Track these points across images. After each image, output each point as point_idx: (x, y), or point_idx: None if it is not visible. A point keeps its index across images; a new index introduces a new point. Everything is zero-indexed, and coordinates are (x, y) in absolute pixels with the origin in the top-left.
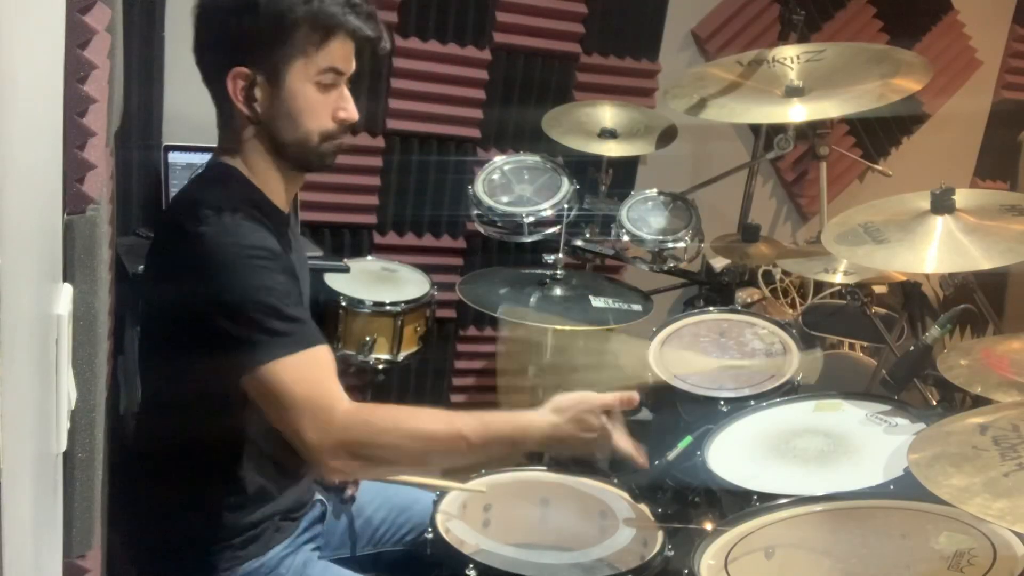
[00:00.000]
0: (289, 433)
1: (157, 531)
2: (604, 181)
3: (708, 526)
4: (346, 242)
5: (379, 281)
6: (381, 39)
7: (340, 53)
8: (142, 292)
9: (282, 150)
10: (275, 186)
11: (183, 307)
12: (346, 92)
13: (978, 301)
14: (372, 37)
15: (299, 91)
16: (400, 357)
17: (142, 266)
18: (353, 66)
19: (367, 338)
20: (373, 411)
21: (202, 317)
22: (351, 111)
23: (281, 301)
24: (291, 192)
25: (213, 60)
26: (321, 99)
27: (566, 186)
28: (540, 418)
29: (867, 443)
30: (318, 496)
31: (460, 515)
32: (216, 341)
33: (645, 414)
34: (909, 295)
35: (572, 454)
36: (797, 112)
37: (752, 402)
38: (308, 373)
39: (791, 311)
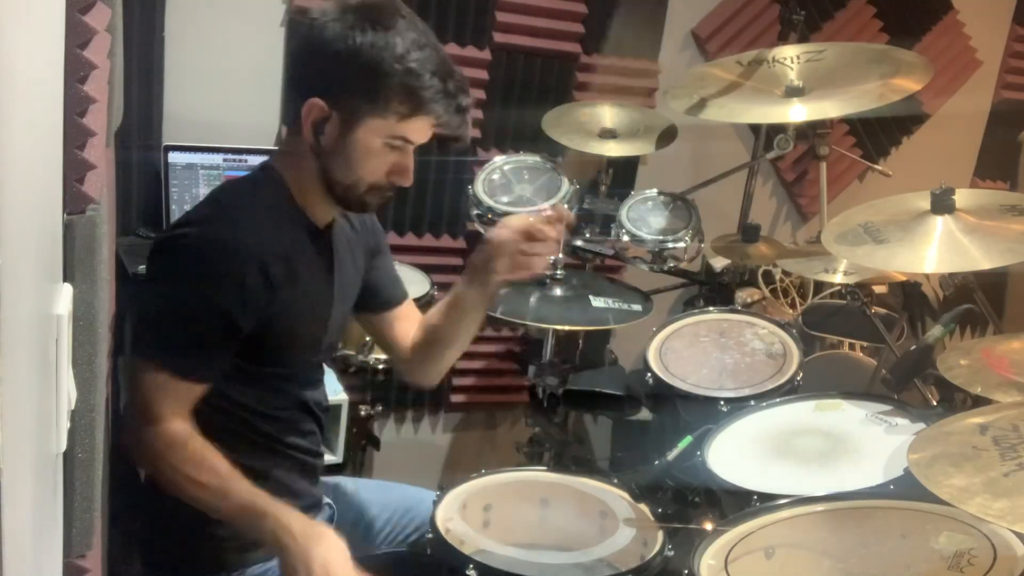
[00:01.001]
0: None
1: (162, 533)
2: (604, 181)
3: (708, 526)
4: None
5: None
6: (462, 138)
7: (418, 128)
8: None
9: (329, 183)
10: (315, 206)
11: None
12: (409, 158)
13: (978, 301)
14: (454, 134)
15: (365, 144)
16: None
17: (143, 266)
18: (427, 139)
19: (367, 338)
20: (184, 446)
21: (152, 299)
22: (407, 179)
23: (212, 322)
24: (329, 214)
25: (298, 81)
26: (383, 157)
27: (566, 186)
28: None
29: (867, 443)
30: (326, 499)
31: (460, 515)
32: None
33: (645, 414)
34: (909, 295)
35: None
36: (797, 112)
37: (752, 402)
38: (167, 393)
39: (791, 311)
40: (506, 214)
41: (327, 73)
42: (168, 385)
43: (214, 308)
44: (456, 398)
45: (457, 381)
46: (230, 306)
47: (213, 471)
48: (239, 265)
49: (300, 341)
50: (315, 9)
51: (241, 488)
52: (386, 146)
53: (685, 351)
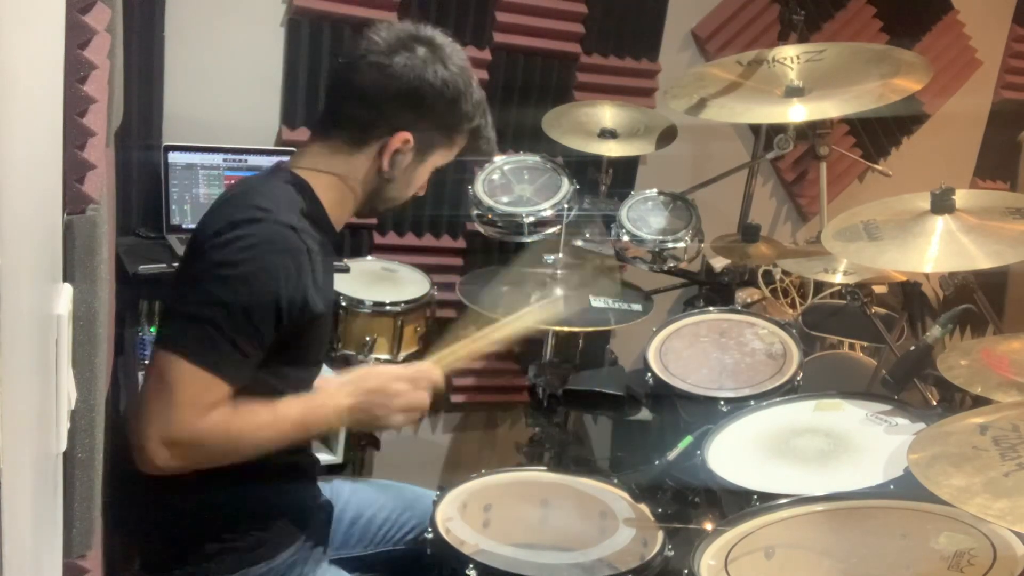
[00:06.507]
0: (139, 416)
1: (162, 533)
2: (604, 181)
3: (708, 526)
4: (346, 242)
5: (379, 281)
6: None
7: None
8: (165, 291)
9: (374, 199)
10: (340, 217)
11: (189, 287)
12: None
13: (978, 301)
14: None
15: (428, 170)
16: (400, 357)
17: (143, 266)
18: None
19: (367, 338)
20: (228, 424)
21: (196, 291)
22: (424, 190)
23: (256, 327)
24: (343, 223)
25: (385, 112)
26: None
27: (566, 186)
28: (335, 395)
29: (867, 443)
30: (325, 496)
31: (460, 515)
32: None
33: (645, 414)
34: (909, 295)
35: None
36: (797, 112)
37: (752, 402)
38: (203, 390)
39: (791, 311)
40: (506, 214)
41: (419, 110)
42: (213, 385)
43: (270, 302)
44: (456, 398)
45: (457, 381)
46: (285, 298)
47: (261, 424)
48: (296, 256)
49: (321, 340)
50: (373, 40)
51: (289, 412)
52: (435, 168)
53: (685, 351)
